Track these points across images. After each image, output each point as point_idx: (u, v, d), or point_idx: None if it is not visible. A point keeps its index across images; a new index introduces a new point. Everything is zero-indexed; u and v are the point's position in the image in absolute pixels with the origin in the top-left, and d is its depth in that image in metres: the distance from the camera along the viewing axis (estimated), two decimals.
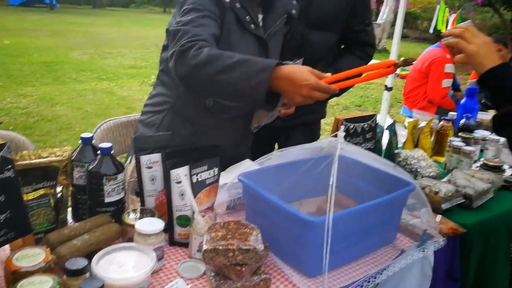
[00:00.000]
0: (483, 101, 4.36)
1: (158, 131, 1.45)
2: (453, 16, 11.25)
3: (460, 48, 1.12)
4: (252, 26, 1.40)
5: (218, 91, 1.22)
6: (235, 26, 1.36)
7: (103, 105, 6.07)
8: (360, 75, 1.32)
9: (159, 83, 1.52)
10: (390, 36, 3.37)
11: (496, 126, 1.06)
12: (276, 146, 2.16)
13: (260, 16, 1.47)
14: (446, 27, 10.91)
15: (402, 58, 1.26)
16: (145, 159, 1.18)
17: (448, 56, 3.92)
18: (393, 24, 9.10)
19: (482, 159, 1.88)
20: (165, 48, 1.48)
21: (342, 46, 2.02)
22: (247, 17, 1.38)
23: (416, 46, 17.31)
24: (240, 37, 1.37)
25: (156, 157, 1.19)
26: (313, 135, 2.11)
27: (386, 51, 13.26)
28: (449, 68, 3.89)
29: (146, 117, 1.52)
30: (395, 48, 3.40)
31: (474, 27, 1.13)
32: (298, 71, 1.14)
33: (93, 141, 1.19)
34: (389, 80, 3.96)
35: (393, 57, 3.50)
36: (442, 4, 10.84)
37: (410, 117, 4.07)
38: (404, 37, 21.69)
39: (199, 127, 1.45)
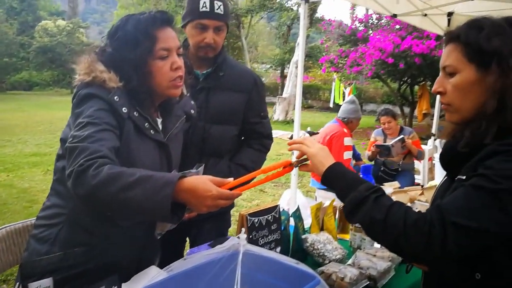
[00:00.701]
0: (382, 168, 4.76)
1: (52, 246, 1.34)
2: (348, 89, 12.53)
3: (302, 151, 1.26)
4: (152, 131, 1.41)
5: (122, 209, 1.18)
6: (134, 135, 1.35)
7: (0, 201, 5.54)
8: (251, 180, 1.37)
9: (53, 193, 1.44)
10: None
11: (347, 215, 1.14)
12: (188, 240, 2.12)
13: (159, 121, 1.49)
14: (343, 99, 12.07)
15: (296, 159, 1.34)
16: (34, 286, 1.08)
17: (345, 130, 4.27)
18: None
19: None
20: (60, 157, 1.41)
21: (242, 138, 2.12)
22: (146, 124, 1.39)
23: (320, 115, 18.68)
24: (140, 145, 1.37)
25: (47, 282, 1.09)
26: (223, 225, 2.11)
27: (293, 122, 14.09)
28: (347, 141, 4.22)
29: (39, 231, 1.40)
30: (297, 118, 3.59)
31: (312, 138, 1.31)
32: (200, 182, 1.16)
33: None
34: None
35: (296, 126, 3.66)
36: (337, 81, 12.05)
37: (320, 188, 4.28)
38: (309, 107, 23.35)
39: (100, 237, 1.37)
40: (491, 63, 1.05)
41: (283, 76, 24.58)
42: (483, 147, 1.03)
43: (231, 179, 1.23)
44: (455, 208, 0.97)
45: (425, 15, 4.83)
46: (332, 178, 1.18)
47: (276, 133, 11.45)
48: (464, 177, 1.05)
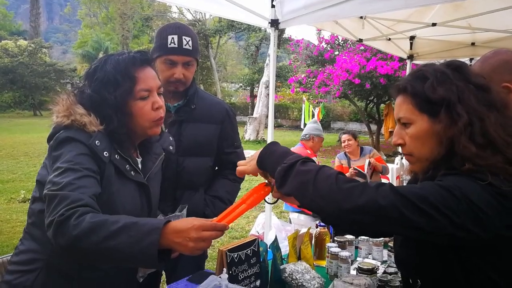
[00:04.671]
0: None
1: None
2: (317, 109, 12.82)
3: (246, 173, 1.27)
4: (132, 173, 1.39)
5: (106, 258, 1.15)
6: (115, 178, 1.33)
7: None
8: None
9: (28, 237, 1.39)
10: (267, 126, 3.74)
11: (279, 187, 1.11)
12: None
13: (139, 160, 1.48)
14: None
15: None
16: None
17: (309, 151, 4.44)
18: (267, 116, 9.92)
19: (358, 258, 2.04)
20: (35, 199, 1.37)
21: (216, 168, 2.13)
22: (127, 166, 1.37)
23: (290, 133, 18.90)
24: (120, 187, 1.35)
25: None
26: (200, 256, 2.10)
27: (264, 141, 14.18)
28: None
29: (13, 278, 1.35)
30: (270, 137, 3.67)
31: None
32: (182, 221, 1.15)
33: None
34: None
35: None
36: (306, 102, 12.34)
37: (293, 211, 4.33)
38: (279, 126, 23.58)
39: (79, 282, 1.33)
40: (440, 111, 1.07)
41: (253, 96, 24.83)
42: None
43: (215, 218, 1.20)
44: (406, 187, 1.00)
45: (389, 39, 5.03)
46: (264, 159, 1.19)
47: (247, 153, 11.45)
48: None
